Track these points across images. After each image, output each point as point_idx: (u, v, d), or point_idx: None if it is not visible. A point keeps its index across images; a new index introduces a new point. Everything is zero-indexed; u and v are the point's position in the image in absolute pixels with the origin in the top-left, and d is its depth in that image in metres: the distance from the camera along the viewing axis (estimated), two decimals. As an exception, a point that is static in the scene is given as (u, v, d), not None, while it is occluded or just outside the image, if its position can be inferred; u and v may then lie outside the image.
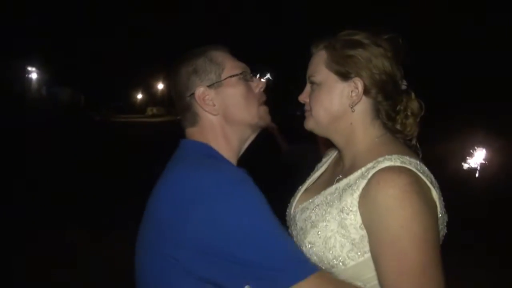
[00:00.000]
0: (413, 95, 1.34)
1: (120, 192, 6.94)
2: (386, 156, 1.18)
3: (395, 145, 1.27)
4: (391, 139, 1.30)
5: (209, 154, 1.29)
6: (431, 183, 1.16)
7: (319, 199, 1.29)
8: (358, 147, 1.30)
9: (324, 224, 1.19)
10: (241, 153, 1.41)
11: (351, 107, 1.28)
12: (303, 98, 1.41)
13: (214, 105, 1.32)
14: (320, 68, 1.33)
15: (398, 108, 1.31)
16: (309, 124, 1.37)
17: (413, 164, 1.15)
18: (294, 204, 1.46)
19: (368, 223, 1.13)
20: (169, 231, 1.11)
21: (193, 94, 1.32)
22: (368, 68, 1.26)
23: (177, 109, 1.39)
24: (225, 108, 1.33)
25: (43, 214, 6.03)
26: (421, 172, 1.14)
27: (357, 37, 1.30)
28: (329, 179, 1.42)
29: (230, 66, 1.35)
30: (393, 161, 1.16)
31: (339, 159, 1.44)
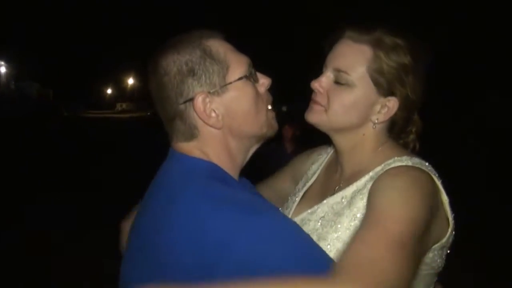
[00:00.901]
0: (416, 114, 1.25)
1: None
2: (396, 158, 1.10)
3: (401, 149, 1.19)
4: (396, 144, 1.21)
5: (218, 176, 1.05)
6: (442, 186, 1.10)
7: (322, 209, 1.16)
8: (363, 154, 1.19)
9: (335, 235, 1.09)
10: (242, 166, 1.19)
11: (374, 124, 1.15)
12: (319, 86, 1.18)
13: (218, 116, 1.05)
14: (359, 67, 1.13)
15: (409, 128, 1.23)
16: (317, 119, 1.18)
17: (424, 165, 1.08)
18: (289, 215, 1.29)
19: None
20: (195, 274, 0.89)
21: (189, 101, 1.04)
22: (406, 89, 1.13)
23: (162, 116, 1.10)
24: (231, 119, 1.07)
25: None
26: (431, 171, 1.07)
27: (400, 43, 1.13)
28: (326, 186, 1.27)
29: (235, 63, 1.07)
30: (404, 161, 1.08)
31: (334, 164, 1.30)
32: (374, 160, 1.14)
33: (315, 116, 1.19)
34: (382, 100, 1.13)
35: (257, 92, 1.09)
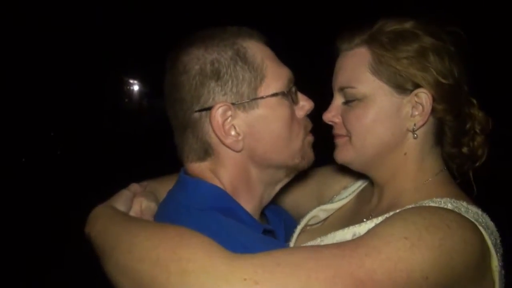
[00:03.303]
0: (475, 103, 1.01)
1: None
2: (434, 199, 0.90)
3: (451, 187, 0.98)
4: (449, 179, 1.01)
5: (222, 206, 0.88)
6: (495, 246, 0.83)
7: (339, 236, 0.94)
8: (404, 185, 0.99)
9: None
10: (267, 201, 0.99)
11: (413, 132, 0.95)
12: (331, 117, 1.04)
13: (239, 135, 0.89)
14: (362, 74, 0.96)
15: (468, 126, 1.00)
16: (346, 156, 1.01)
17: (472, 213, 0.86)
18: (294, 236, 1.09)
19: None
20: None
21: (206, 110, 0.87)
22: (433, 74, 0.93)
23: (173, 126, 0.94)
24: (255, 141, 0.90)
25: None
26: (483, 226, 0.83)
27: (408, 27, 0.96)
28: (353, 215, 1.09)
29: (273, 75, 0.90)
30: (442, 204, 0.88)
31: (370, 193, 1.10)
32: (414, 195, 0.94)
33: (343, 154, 1.02)
34: (408, 98, 0.95)
35: (293, 115, 0.93)
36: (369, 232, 0.79)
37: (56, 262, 4.18)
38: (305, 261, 0.71)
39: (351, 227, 0.95)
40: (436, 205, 0.88)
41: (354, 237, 0.90)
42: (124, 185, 1.12)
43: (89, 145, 9.77)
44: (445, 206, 0.87)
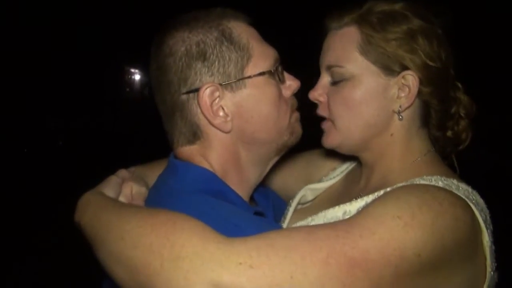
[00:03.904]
0: (461, 88, 1.02)
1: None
2: (424, 177, 0.90)
3: (440, 166, 0.99)
4: (436, 158, 1.01)
5: (212, 188, 0.89)
6: (485, 222, 0.84)
7: (316, 222, 0.95)
8: (392, 165, 1.00)
9: None
10: (257, 183, 0.99)
11: (399, 114, 0.96)
12: (317, 95, 1.02)
13: (227, 116, 0.89)
14: (350, 54, 0.96)
15: (453, 110, 1.01)
16: (333, 141, 1.01)
17: (462, 190, 0.87)
18: (287, 218, 1.12)
19: None
20: None
21: (194, 92, 0.87)
22: (421, 56, 0.93)
23: (160, 111, 0.94)
24: (243, 121, 0.90)
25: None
26: (473, 203, 0.84)
27: (397, 8, 0.96)
28: (342, 195, 1.11)
29: (259, 54, 0.90)
30: (433, 182, 0.88)
31: (358, 173, 1.11)
32: (402, 175, 0.95)
33: (330, 139, 1.01)
34: (395, 80, 0.95)
35: (280, 94, 0.93)
36: (361, 211, 0.80)
37: (56, 253, 4.20)
38: (299, 243, 0.71)
39: (341, 205, 0.95)
40: (427, 182, 0.88)
41: (345, 215, 0.92)
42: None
43: (90, 135, 9.79)
44: (436, 184, 0.88)
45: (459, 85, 1.03)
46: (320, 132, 1.10)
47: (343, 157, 1.18)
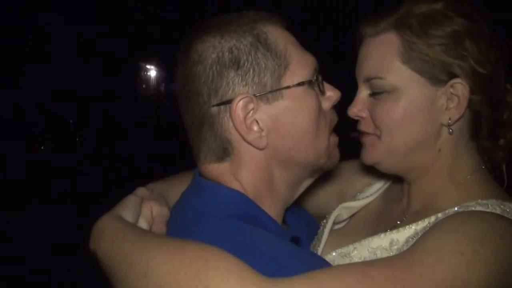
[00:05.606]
0: None
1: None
2: (479, 201, 0.83)
3: (493, 186, 0.90)
4: (487, 177, 0.92)
5: (245, 214, 0.81)
6: None
7: (359, 252, 0.89)
8: (439, 183, 0.91)
9: None
10: (288, 205, 0.92)
11: (448, 127, 0.87)
12: (357, 111, 0.94)
13: (262, 131, 0.81)
14: (391, 63, 0.87)
15: (505, 117, 0.92)
16: (375, 157, 0.92)
17: None
18: (323, 241, 1.01)
19: None
20: None
21: (226, 104, 0.79)
22: (470, 62, 0.84)
23: (186, 123, 0.86)
24: (279, 137, 0.82)
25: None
26: None
27: (438, 8, 0.87)
28: (383, 217, 1.01)
29: (298, 62, 0.82)
30: (490, 208, 0.80)
31: (398, 192, 1.03)
32: (451, 195, 0.87)
33: (372, 154, 0.93)
34: (443, 90, 0.86)
35: (320, 107, 0.85)
36: (417, 245, 0.73)
37: (77, 251, 4.17)
38: (352, 286, 0.65)
39: (387, 233, 0.88)
40: (484, 209, 0.81)
41: (393, 245, 0.85)
42: (142, 172, 1.02)
43: (107, 131, 9.84)
44: (494, 211, 0.80)
45: (510, 87, 0.94)
46: (342, 146, 1.00)
47: (380, 172, 1.10)
